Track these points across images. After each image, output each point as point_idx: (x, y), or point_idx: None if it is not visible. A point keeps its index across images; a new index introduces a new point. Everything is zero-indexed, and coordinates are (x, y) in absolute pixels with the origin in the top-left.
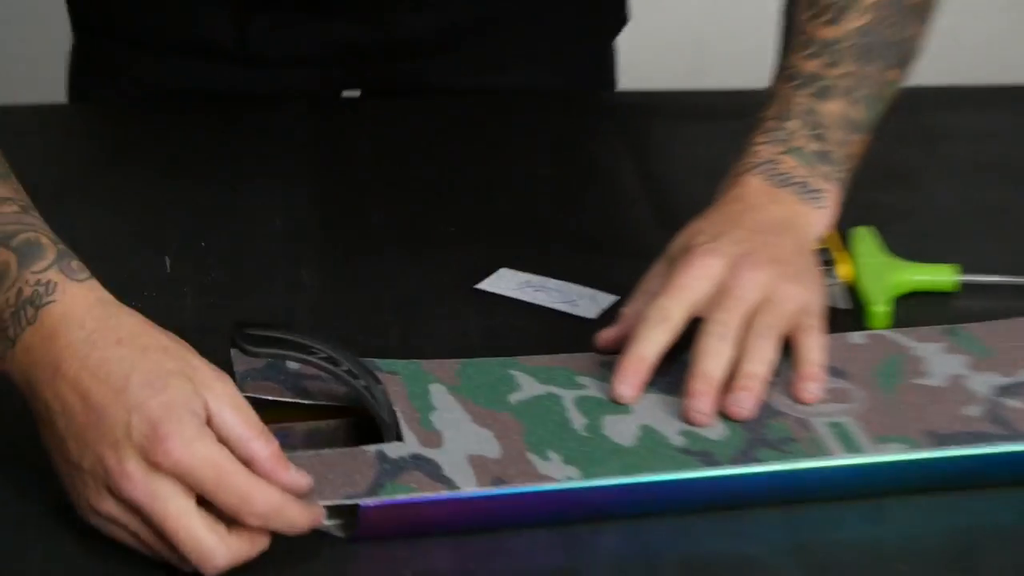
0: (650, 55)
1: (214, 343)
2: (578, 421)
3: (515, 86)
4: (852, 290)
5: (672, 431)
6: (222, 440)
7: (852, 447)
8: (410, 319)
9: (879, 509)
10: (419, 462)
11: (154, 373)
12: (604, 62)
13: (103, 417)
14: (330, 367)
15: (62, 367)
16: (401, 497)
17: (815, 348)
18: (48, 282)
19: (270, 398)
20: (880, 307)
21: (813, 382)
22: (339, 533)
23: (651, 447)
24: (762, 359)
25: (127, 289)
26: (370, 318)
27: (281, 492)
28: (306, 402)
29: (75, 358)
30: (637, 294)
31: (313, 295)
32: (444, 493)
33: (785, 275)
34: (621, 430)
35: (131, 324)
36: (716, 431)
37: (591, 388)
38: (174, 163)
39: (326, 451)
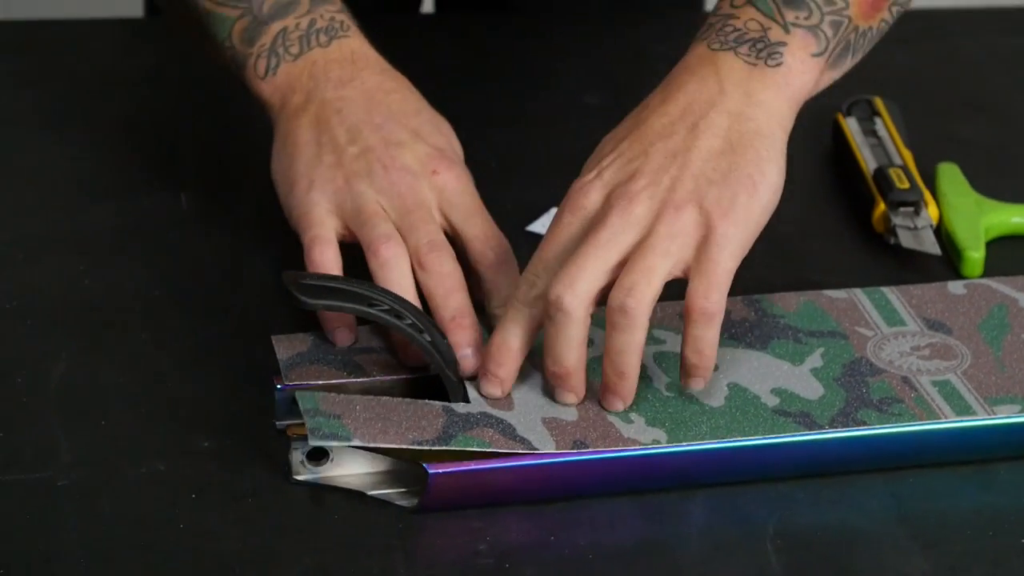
0: None
1: (244, 292)
2: (659, 379)
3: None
4: (939, 234)
5: (763, 389)
6: None
7: (961, 408)
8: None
9: (990, 474)
10: (490, 420)
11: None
12: None
13: (392, 119)
14: (393, 320)
15: (363, 75)
16: (473, 462)
17: (712, 270)
18: (342, 21)
19: (321, 382)
20: (976, 252)
21: (706, 323)
22: (404, 503)
23: (742, 407)
24: (621, 349)
25: (140, 229)
26: None
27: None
28: (361, 380)
29: (374, 72)
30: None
31: None
32: (521, 457)
33: (681, 192)
34: (708, 389)
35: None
36: (812, 389)
37: (670, 342)
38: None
39: (387, 398)
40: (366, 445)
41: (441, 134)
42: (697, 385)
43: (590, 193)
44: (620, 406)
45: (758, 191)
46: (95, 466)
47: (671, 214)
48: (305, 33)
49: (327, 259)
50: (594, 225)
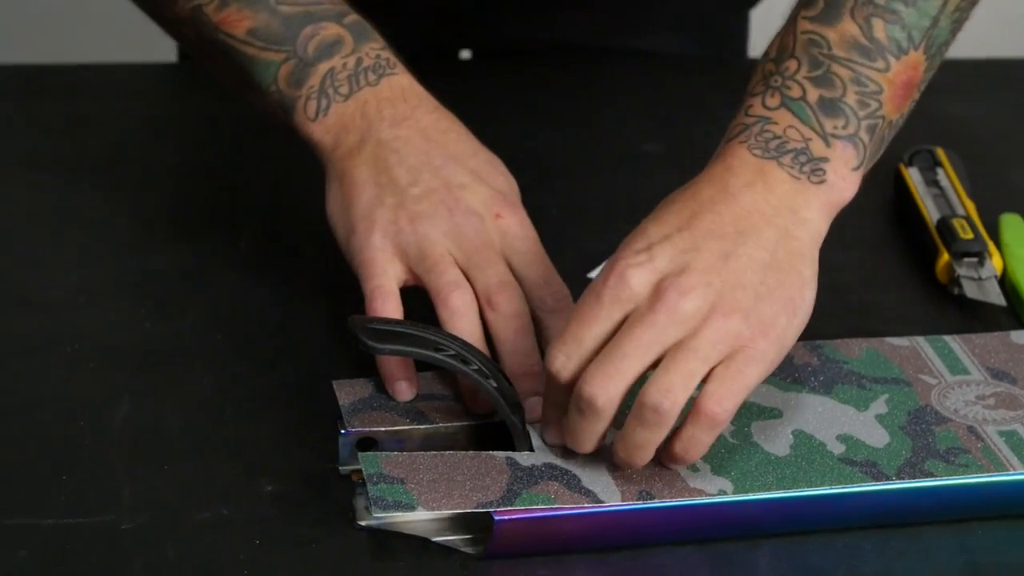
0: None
1: (302, 337)
2: (725, 427)
3: (645, 48)
4: (1003, 284)
5: (829, 436)
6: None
7: None
8: None
9: None
10: (555, 472)
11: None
12: (739, 32)
13: (451, 160)
14: (459, 365)
15: (417, 113)
16: (539, 510)
17: (736, 379)
18: (388, 59)
19: (384, 429)
20: None
21: (709, 427)
22: (469, 549)
23: (807, 456)
24: (636, 445)
25: (200, 273)
26: None
27: None
28: (424, 427)
29: (427, 110)
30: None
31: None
32: (588, 506)
33: (730, 301)
34: (772, 437)
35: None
36: (877, 436)
37: None
38: (262, 135)
39: (450, 453)
40: (431, 514)
41: (500, 175)
42: (673, 467)
43: (638, 272)
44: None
45: (797, 315)
46: (158, 510)
47: (719, 320)
48: (353, 72)
49: (388, 312)
50: (640, 318)
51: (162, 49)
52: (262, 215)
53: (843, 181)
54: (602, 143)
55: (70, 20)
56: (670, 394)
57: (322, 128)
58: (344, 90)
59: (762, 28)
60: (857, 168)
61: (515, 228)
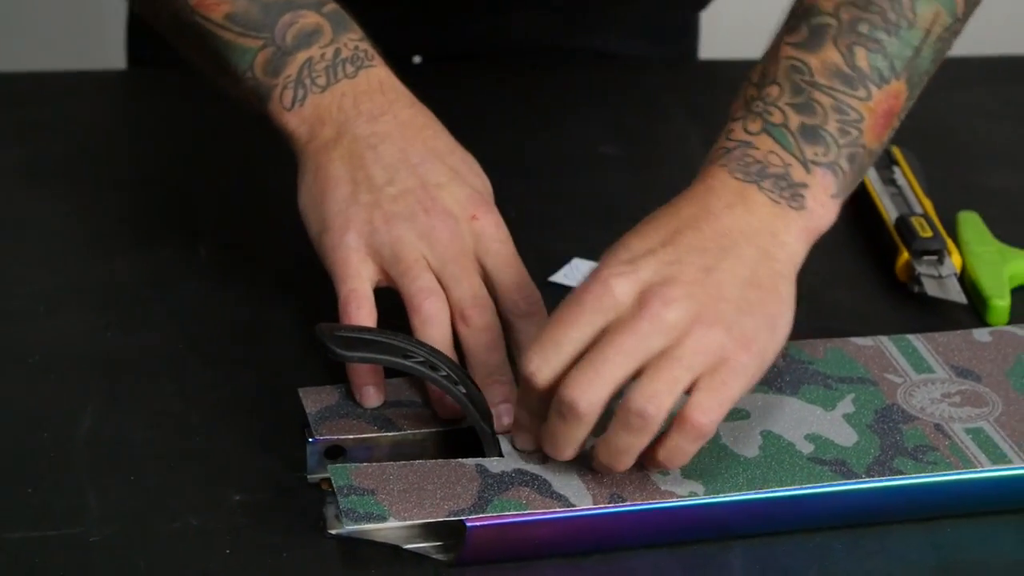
0: (735, 26)
1: (266, 343)
2: None
3: (598, 48)
4: (962, 282)
5: (797, 436)
6: None
7: (997, 456)
8: None
9: None
10: (525, 477)
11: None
12: (689, 32)
13: (428, 157)
14: (428, 372)
15: (394, 108)
16: (511, 515)
17: (722, 391)
18: (366, 50)
19: (352, 437)
20: (1002, 301)
21: (694, 438)
22: (441, 556)
23: (777, 456)
24: (618, 450)
25: (160, 281)
26: None
27: None
28: (392, 434)
29: (405, 104)
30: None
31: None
32: (559, 511)
33: (711, 314)
34: (741, 438)
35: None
36: (845, 435)
37: None
38: (219, 141)
39: (419, 463)
40: (403, 524)
41: (476, 174)
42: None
43: (622, 282)
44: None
45: (776, 332)
46: (127, 521)
47: (702, 330)
48: (331, 63)
49: (362, 316)
50: (623, 325)
51: (110, 57)
52: (220, 221)
53: (822, 208)
54: (558, 146)
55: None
56: (655, 399)
57: (297, 118)
58: (321, 81)
59: (712, 29)
60: (836, 196)
61: (490, 230)
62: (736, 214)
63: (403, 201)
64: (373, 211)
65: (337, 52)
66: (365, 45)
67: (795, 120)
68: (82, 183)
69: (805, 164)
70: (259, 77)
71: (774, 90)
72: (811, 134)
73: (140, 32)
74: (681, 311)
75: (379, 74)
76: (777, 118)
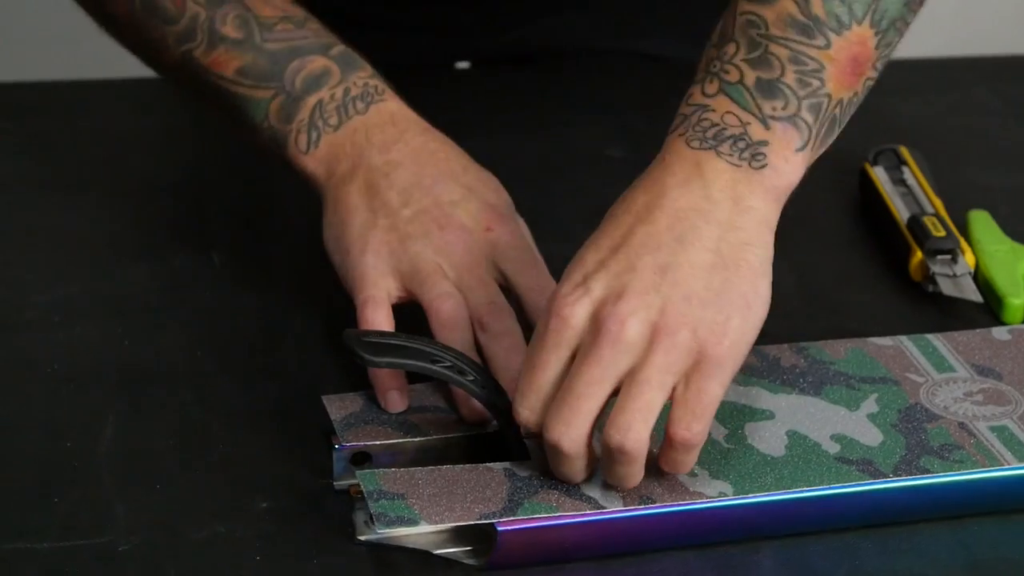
0: None
1: (284, 349)
2: (718, 431)
3: (645, 51)
4: (976, 280)
5: (823, 436)
6: None
7: (1022, 453)
8: None
9: None
10: (553, 481)
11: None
12: None
13: (442, 178)
14: (455, 376)
15: (406, 137)
16: (541, 519)
17: (699, 400)
18: (376, 86)
19: (378, 443)
20: (1017, 299)
21: (686, 450)
22: (471, 561)
23: (803, 456)
24: (633, 439)
25: (174, 289)
26: None
27: None
28: (418, 439)
29: (416, 132)
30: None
31: None
32: (589, 513)
33: (675, 314)
34: (767, 438)
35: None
36: (871, 435)
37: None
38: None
39: (447, 467)
40: (434, 527)
41: (492, 190)
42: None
43: (575, 309)
44: None
45: (752, 310)
46: (154, 530)
47: (665, 340)
48: (341, 103)
49: (379, 319)
50: (585, 355)
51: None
52: (233, 229)
53: (786, 163)
54: (565, 148)
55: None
56: (631, 432)
57: (314, 160)
58: (333, 121)
59: None
60: (801, 149)
61: (506, 238)
62: (693, 191)
63: (418, 221)
64: (390, 233)
65: (347, 91)
66: (375, 81)
67: (751, 76)
68: (92, 193)
69: (764, 121)
70: (275, 125)
71: (731, 48)
72: (768, 88)
73: None
74: (639, 325)
75: (390, 107)
76: (733, 76)
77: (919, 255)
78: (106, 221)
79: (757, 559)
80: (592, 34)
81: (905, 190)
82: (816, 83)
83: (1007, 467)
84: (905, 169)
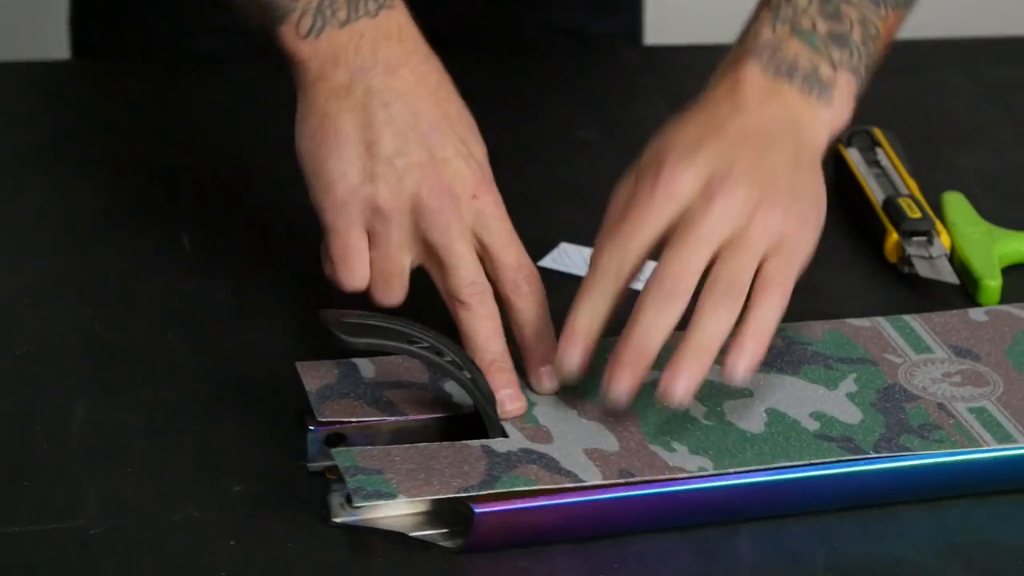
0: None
1: (255, 329)
2: (697, 409)
3: (549, 24)
4: (952, 262)
5: (802, 414)
6: None
7: (1001, 435)
8: None
9: None
10: (532, 456)
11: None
12: (633, 5)
13: (438, 126)
14: (433, 357)
15: (412, 60)
16: (519, 500)
17: (768, 307)
18: None
19: (354, 420)
20: (993, 281)
21: (750, 356)
22: (448, 543)
23: (783, 432)
24: (717, 326)
25: (144, 271)
26: (434, 303)
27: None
28: (395, 419)
29: (422, 58)
30: (605, 222)
31: None
32: (567, 494)
33: (770, 198)
34: (746, 415)
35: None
36: (850, 413)
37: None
38: (188, 127)
39: (424, 445)
40: (413, 501)
41: (477, 142)
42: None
43: (686, 177)
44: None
45: (821, 212)
46: (127, 514)
47: (764, 214)
48: None
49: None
50: (694, 215)
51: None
52: (200, 208)
53: (846, 106)
54: (533, 131)
55: None
56: (743, 274)
57: (311, 49)
58: (342, 15)
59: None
60: (856, 97)
61: (490, 208)
62: (771, 109)
63: (409, 178)
64: (379, 185)
65: None
66: None
67: (823, 26)
68: (50, 175)
69: (833, 65)
70: None
71: (804, 0)
72: (839, 40)
73: (85, 23)
74: (746, 195)
75: (399, 17)
76: (806, 24)
77: (895, 236)
78: (73, 201)
79: (736, 542)
80: (485, 7)
81: (879, 171)
82: (872, 46)
83: (987, 448)
84: (879, 151)
